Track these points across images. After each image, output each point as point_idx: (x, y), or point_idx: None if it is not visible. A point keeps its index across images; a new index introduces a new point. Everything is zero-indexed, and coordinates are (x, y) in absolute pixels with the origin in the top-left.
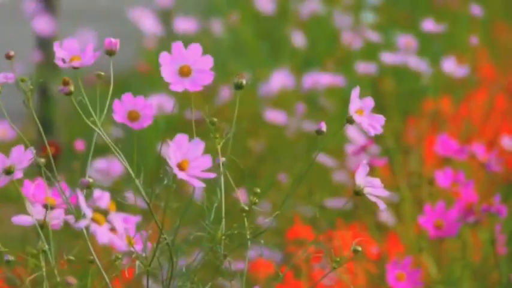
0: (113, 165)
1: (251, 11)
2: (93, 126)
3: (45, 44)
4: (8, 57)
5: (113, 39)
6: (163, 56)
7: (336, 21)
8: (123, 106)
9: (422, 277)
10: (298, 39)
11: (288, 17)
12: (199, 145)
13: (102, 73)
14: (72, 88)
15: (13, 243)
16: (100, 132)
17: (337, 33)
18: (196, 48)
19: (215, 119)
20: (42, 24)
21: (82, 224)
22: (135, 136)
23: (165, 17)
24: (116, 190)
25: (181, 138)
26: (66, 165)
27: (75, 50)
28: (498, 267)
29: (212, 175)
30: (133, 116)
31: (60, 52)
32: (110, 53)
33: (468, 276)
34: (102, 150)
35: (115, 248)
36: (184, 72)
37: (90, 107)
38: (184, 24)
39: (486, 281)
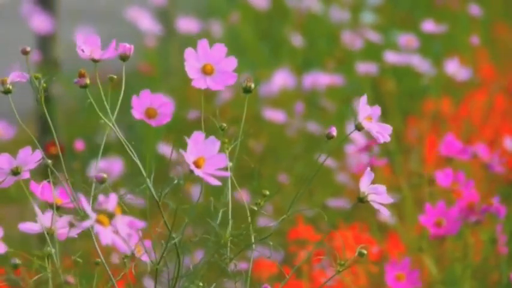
0: (113, 166)
1: (251, 11)
2: (110, 124)
3: (44, 44)
4: (24, 52)
5: (127, 44)
6: (188, 52)
7: (335, 19)
8: (140, 103)
9: (423, 277)
10: (298, 39)
11: (287, 17)
12: (215, 143)
13: (115, 76)
14: (88, 81)
15: (15, 243)
16: (115, 130)
17: (337, 32)
18: (220, 48)
19: (225, 124)
20: (42, 24)
21: (86, 224)
22: (133, 135)
23: (165, 17)
24: (115, 190)
25: (198, 135)
26: (66, 166)
27: (96, 46)
28: (499, 267)
29: (227, 174)
30: (150, 113)
31: (83, 45)
32: (124, 58)
33: (469, 276)
34: (103, 150)
35: (118, 250)
36: (207, 71)
37: (92, 106)
38: (185, 24)
39: (486, 280)
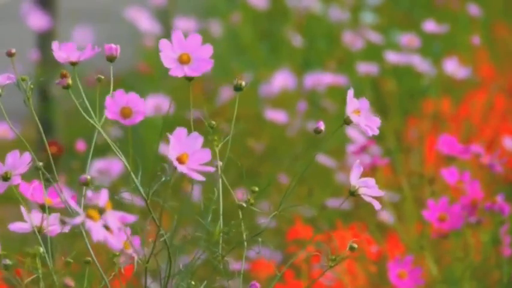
0: (112, 165)
1: (250, 11)
2: (96, 125)
3: (44, 44)
4: (10, 54)
5: (113, 45)
6: (163, 43)
7: (335, 19)
8: (115, 103)
9: (423, 276)
10: (298, 39)
11: (287, 17)
12: (197, 139)
13: (102, 77)
14: (69, 81)
15: (14, 244)
16: (101, 131)
17: (337, 32)
18: (196, 37)
19: (214, 122)
20: (41, 24)
21: (77, 220)
22: (133, 135)
23: (164, 17)
24: (114, 189)
25: (180, 132)
26: (66, 166)
27: (73, 50)
28: (499, 266)
29: (211, 169)
30: (125, 113)
31: (58, 52)
32: (111, 58)
33: (469, 276)
34: (102, 150)
35: (110, 246)
36: (183, 60)
37: (90, 107)
38: (184, 24)
39: (487, 280)
